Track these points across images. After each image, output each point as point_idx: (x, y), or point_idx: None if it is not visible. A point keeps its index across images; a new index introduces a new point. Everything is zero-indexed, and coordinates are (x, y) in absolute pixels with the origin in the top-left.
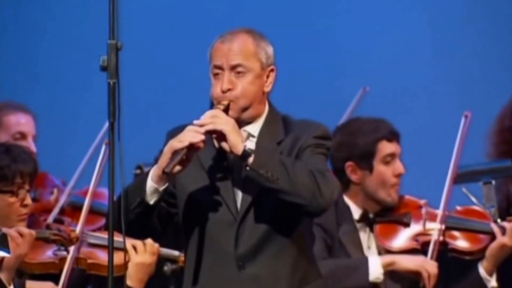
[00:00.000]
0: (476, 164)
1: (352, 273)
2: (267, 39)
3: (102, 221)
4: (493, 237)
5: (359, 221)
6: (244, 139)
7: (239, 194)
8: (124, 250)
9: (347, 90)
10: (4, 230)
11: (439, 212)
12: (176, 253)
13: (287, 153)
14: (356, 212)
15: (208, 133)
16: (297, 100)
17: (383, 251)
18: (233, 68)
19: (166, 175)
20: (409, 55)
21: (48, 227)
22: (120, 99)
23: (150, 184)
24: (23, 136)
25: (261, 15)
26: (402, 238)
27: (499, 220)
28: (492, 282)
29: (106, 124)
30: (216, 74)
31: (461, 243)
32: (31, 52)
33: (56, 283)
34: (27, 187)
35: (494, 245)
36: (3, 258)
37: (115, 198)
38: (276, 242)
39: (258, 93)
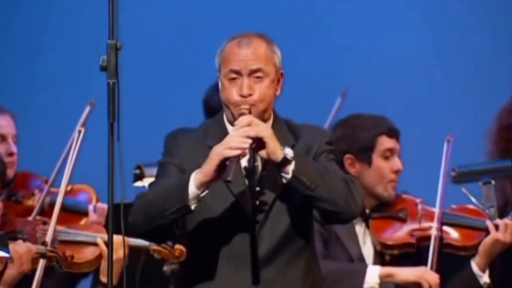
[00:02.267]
0: (476, 164)
1: (348, 278)
2: (277, 43)
3: (82, 221)
4: (487, 234)
5: None
6: (281, 146)
7: (256, 200)
8: (124, 251)
9: (347, 90)
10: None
11: (436, 209)
12: (146, 243)
13: None
14: None
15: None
16: (296, 101)
17: (378, 245)
18: (252, 73)
19: (225, 182)
20: (409, 56)
21: (44, 243)
22: (120, 99)
23: (193, 190)
24: (3, 138)
25: (262, 16)
26: (398, 232)
27: (498, 220)
28: (485, 278)
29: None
30: (232, 79)
31: (456, 238)
32: (30, 52)
33: (30, 282)
34: None
35: (487, 241)
36: (3, 271)
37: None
38: (291, 247)
39: (272, 97)
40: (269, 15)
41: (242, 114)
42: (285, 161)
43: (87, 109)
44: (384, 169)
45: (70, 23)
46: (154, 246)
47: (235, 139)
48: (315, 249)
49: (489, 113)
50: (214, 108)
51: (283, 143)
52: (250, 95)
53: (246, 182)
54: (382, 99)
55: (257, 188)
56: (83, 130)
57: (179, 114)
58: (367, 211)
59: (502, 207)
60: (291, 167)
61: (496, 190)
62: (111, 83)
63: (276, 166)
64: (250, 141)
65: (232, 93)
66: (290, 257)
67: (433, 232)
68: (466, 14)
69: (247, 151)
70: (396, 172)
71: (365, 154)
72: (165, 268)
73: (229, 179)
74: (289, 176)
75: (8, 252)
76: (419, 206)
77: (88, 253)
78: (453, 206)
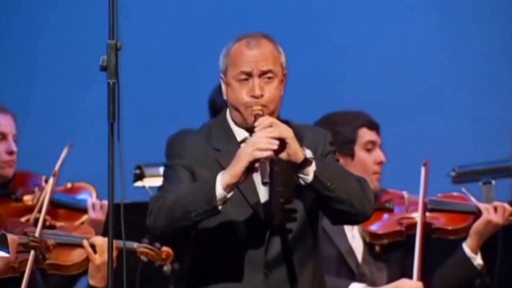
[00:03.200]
0: (476, 164)
1: None
2: (279, 43)
3: (83, 218)
4: (475, 217)
5: None
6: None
7: (267, 201)
8: (128, 255)
9: (347, 93)
10: None
11: (421, 196)
12: (134, 244)
13: None
14: None
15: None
16: (300, 100)
17: (367, 237)
18: (263, 73)
19: (264, 185)
20: (412, 55)
21: (25, 233)
22: (120, 99)
23: (220, 192)
24: (3, 136)
25: (262, 16)
26: (387, 222)
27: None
28: (478, 259)
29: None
30: (243, 79)
31: (445, 222)
32: (30, 52)
33: (18, 286)
34: None
35: (479, 223)
36: None
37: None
38: (302, 248)
39: (280, 98)
40: (270, 15)
41: (257, 115)
42: (305, 162)
43: (64, 151)
44: (367, 161)
45: (70, 23)
46: (141, 248)
47: (263, 140)
48: (319, 251)
49: (491, 115)
50: (221, 108)
51: None
52: (262, 95)
53: (257, 184)
54: (382, 100)
55: (267, 190)
56: (57, 173)
57: (179, 114)
58: None
59: None
60: (311, 168)
61: None
62: (111, 83)
63: (294, 168)
64: (277, 142)
65: (242, 94)
66: (301, 258)
67: (418, 220)
68: (469, 15)
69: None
70: (379, 163)
71: (347, 147)
72: (165, 268)
73: (266, 181)
74: (309, 177)
75: (8, 252)
76: (406, 195)
77: (76, 256)
78: (439, 194)
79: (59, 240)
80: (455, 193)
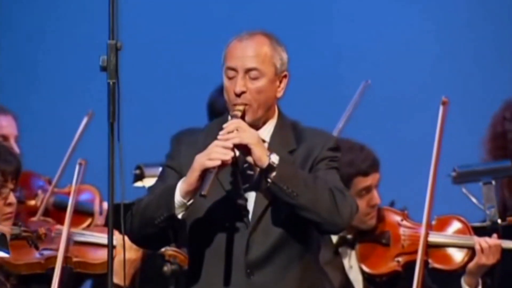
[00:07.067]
0: (476, 164)
1: None
2: (284, 45)
3: (87, 221)
4: (472, 252)
5: (337, 245)
6: (268, 152)
7: (252, 202)
8: (124, 249)
9: (348, 90)
10: None
11: (419, 229)
12: (161, 248)
13: (300, 164)
14: (333, 237)
15: (234, 147)
16: (299, 100)
17: (366, 273)
18: (247, 71)
19: (202, 197)
20: (410, 55)
21: (15, 224)
22: (120, 99)
23: (178, 199)
24: (5, 138)
25: (262, 16)
26: (383, 260)
27: (499, 221)
28: None
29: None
30: (230, 76)
31: (441, 262)
32: (30, 52)
33: (44, 283)
34: (10, 186)
35: (472, 265)
36: None
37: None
38: (286, 252)
39: (269, 98)
40: (271, 15)
41: (234, 116)
42: (272, 169)
43: (84, 120)
44: (359, 206)
45: (70, 23)
46: (169, 251)
47: (217, 149)
48: (314, 259)
49: (491, 112)
50: (219, 111)
51: (284, 145)
52: (243, 92)
53: (241, 185)
54: (381, 99)
55: (252, 191)
56: (84, 163)
57: (179, 114)
58: (349, 236)
59: (501, 211)
60: (273, 174)
61: (496, 193)
62: (111, 83)
63: (263, 172)
64: (232, 153)
65: (229, 90)
66: (283, 263)
67: (417, 259)
68: (470, 12)
69: (230, 161)
70: (373, 206)
71: None
72: (165, 268)
73: (204, 194)
74: (270, 181)
75: (8, 252)
76: (401, 229)
77: (103, 255)
78: (436, 218)
79: (86, 239)
80: (451, 218)
